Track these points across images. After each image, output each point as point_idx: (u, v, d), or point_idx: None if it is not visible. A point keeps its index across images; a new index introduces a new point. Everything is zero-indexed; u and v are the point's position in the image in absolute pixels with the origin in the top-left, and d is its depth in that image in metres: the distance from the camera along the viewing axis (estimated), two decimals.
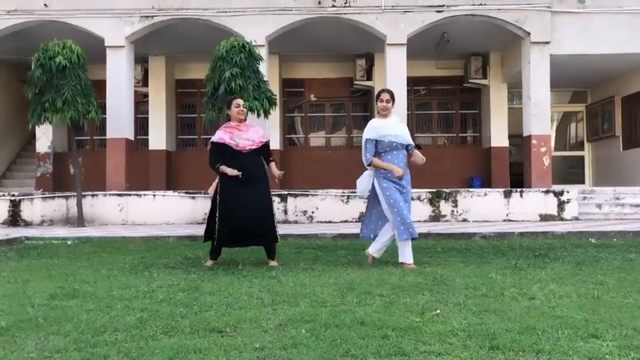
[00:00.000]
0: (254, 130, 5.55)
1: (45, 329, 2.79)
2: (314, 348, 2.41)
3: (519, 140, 13.11)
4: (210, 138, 5.80)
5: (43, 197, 10.92)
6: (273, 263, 5.32)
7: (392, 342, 2.51)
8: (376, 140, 5.35)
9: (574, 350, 2.37)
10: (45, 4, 11.76)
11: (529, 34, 11.79)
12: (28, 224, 10.81)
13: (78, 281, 4.28)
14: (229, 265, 5.20)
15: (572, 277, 4.40)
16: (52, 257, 6.14)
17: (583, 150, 15.74)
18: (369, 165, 5.39)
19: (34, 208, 10.87)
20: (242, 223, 5.15)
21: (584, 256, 5.86)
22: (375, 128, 5.43)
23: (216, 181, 5.49)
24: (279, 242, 5.60)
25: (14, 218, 10.82)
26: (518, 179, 13.97)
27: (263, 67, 10.75)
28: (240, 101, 5.58)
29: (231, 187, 5.23)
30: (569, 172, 15.72)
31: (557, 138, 16.27)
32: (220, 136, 5.38)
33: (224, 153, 5.27)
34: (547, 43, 11.80)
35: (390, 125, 5.46)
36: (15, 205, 10.84)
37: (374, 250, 5.37)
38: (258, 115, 10.22)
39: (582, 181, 15.54)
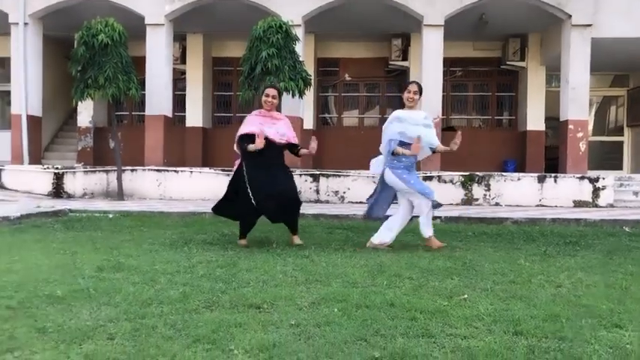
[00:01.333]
0: (284, 124, 5.58)
1: (96, 299, 3.01)
2: (346, 326, 2.56)
3: (556, 123, 12.91)
4: (245, 116, 5.93)
5: (84, 171, 11.32)
6: (298, 240, 5.46)
7: (420, 324, 2.64)
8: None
9: (596, 339, 2.46)
10: None
11: (570, 16, 11.56)
12: (70, 196, 11.23)
13: (122, 255, 4.52)
14: (264, 243, 5.38)
15: (601, 267, 4.44)
16: (96, 230, 6.44)
17: (622, 135, 15.41)
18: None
19: (76, 181, 11.28)
20: (272, 194, 5.29)
21: (617, 245, 5.86)
22: (400, 120, 5.47)
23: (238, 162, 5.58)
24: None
25: (57, 190, 11.26)
26: (553, 163, 13.81)
27: (299, 48, 10.84)
28: (270, 91, 5.55)
29: (255, 169, 5.36)
30: (606, 157, 15.43)
31: (595, 122, 15.96)
32: (249, 127, 5.42)
33: (250, 138, 5.35)
34: (589, 26, 11.54)
35: (416, 119, 5.47)
36: (58, 178, 11.27)
37: (389, 238, 5.47)
38: (293, 95, 10.35)
39: (620, 167, 15.25)
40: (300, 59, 10.60)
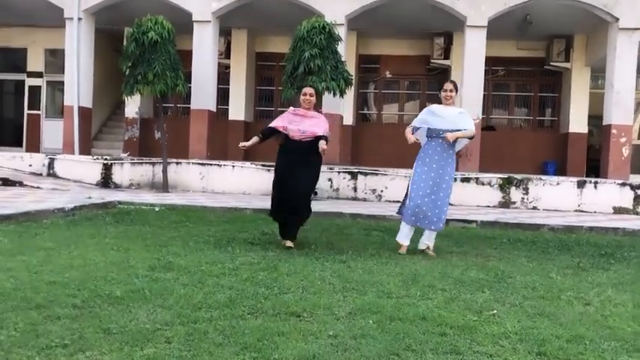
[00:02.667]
0: (314, 123, 5.69)
1: (152, 301, 3.30)
2: (380, 340, 2.77)
3: (601, 122, 12.68)
4: (282, 112, 6.19)
5: (131, 163, 11.80)
6: (288, 243, 5.48)
7: (449, 340, 2.83)
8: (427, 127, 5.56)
9: None
10: None
11: (617, 19, 11.39)
12: (117, 186, 11.74)
13: (171, 253, 4.83)
14: (303, 245, 5.62)
15: (632, 283, 4.52)
16: (144, 224, 6.81)
17: None
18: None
19: (124, 173, 11.78)
20: (279, 200, 5.58)
21: None
22: (432, 114, 5.63)
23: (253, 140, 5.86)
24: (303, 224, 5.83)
25: (106, 180, 11.78)
26: (595, 164, 13.62)
27: (341, 48, 10.99)
28: (308, 90, 5.79)
29: (279, 167, 5.74)
30: None
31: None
32: (278, 122, 5.73)
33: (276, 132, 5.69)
34: (637, 29, 11.35)
35: (449, 114, 5.57)
36: (107, 169, 11.78)
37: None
38: (334, 94, 10.53)
39: None
40: (342, 59, 10.76)
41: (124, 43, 15.05)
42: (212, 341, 2.64)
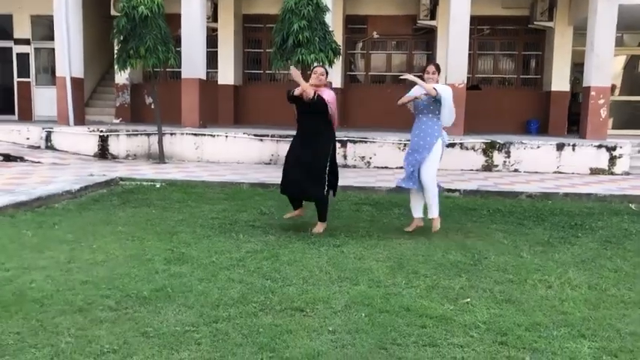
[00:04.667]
0: (325, 93, 5.99)
1: (175, 300, 3.83)
2: (371, 334, 3.33)
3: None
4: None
5: (127, 134, 12.15)
6: (316, 228, 5.99)
7: (428, 331, 3.40)
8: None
9: (562, 350, 3.18)
10: None
11: None
12: (114, 157, 12.13)
13: (182, 243, 5.36)
14: (299, 228, 6.15)
15: (593, 260, 5.13)
16: (149, 206, 7.31)
17: None
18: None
19: (120, 144, 12.15)
20: (288, 174, 6.03)
21: (616, 230, 6.51)
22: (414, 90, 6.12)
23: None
24: (334, 198, 6.28)
25: (103, 152, 12.16)
26: (577, 119, 14.10)
27: (329, 18, 11.21)
28: (319, 69, 6.06)
29: (291, 144, 6.20)
30: (632, 117, 15.67)
31: (622, 82, 16.09)
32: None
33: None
34: None
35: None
36: (103, 140, 12.14)
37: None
38: (323, 64, 10.83)
39: None
40: (330, 29, 11.02)
41: (111, 8, 15.15)
42: (233, 342, 3.18)
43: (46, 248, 5.07)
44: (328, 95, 5.98)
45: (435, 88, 5.93)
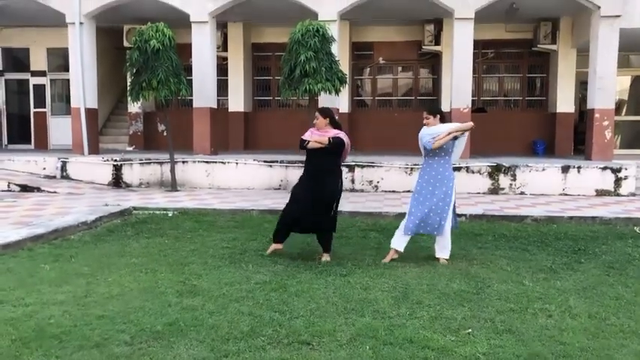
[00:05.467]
0: (332, 133, 6.27)
1: (187, 335, 4.00)
2: None
3: None
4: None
5: (140, 163, 12.43)
6: (324, 257, 6.23)
7: None
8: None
9: None
10: None
11: (599, 7, 11.89)
12: (128, 186, 12.40)
13: (193, 275, 5.55)
14: (307, 257, 6.31)
15: (594, 288, 5.24)
16: (162, 236, 7.52)
17: None
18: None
19: (133, 173, 12.43)
20: (296, 211, 6.23)
21: (619, 255, 6.61)
22: (426, 132, 6.22)
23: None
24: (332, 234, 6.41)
25: (117, 181, 12.44)
26: (584, 138, 14.14)
27: (335, 47, 11.50)
28: (316, 114, 6.42)
29: (300, 181, 6.42)
30: (637, 136, 15.76)
31: (628, 102, 16.20)
32: (306, 134, 6.36)
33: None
34: (617, 17, 11.86)
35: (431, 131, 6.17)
36: (117, 170, 12.43)
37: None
38: (329, 93, 11.11)
39: None
40: (337, 59, 11.29)
41: (124, 40, 15.58)
42: None
43: (63, 282, 5.27)
44: (344, 137, 6.28)
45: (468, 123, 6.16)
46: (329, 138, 6.17)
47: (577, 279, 5.57)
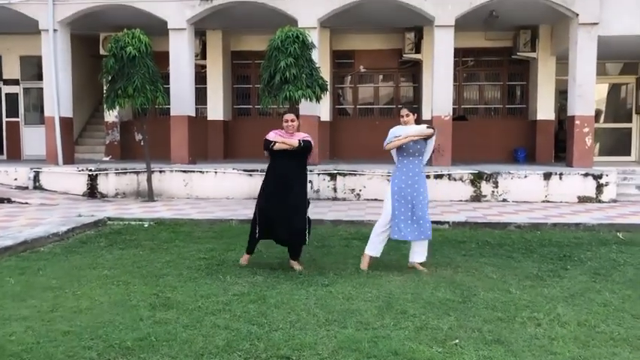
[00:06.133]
0: (301, 136, 6.11)
1: (159, 350, 3.76)
2: None
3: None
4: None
5: (116, 172, 12.11)
6: (296, 266, 6.03)
7: None
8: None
9: None
10: None
11: (577, 15, 11.94)
12: (104, 196, 12.07)
13: (168, 287, 5.29)
14: (287, 269, 6.09)
15: (582, 294, 5.11)
16: (137, 247, 7.24)
17: (631, 122, 15.78)
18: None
19: (109, 182, 12.10)
20: (271, 218, 5.98)
21: (604, 261, 6.52)
22: (393, 133, 6.08)
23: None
24: (307, 244, 6.20)
25: (92, 191, 12.10)
26: (564, 146, 14.19)
27: (315, 54, 11.35)
28: (288, 117, 6.10)
29: (268, 187, 6.10)
30: (615, 143, 15.85)
31: (606, 109, 16.31)
32: (270, 135, 6.12)
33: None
34: (595, 24, 11.92)
35: (408, 130, 6.04)
36: (92, 180, 12.10)
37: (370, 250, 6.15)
38: (310, 100, 10.94)
39: (628, 153, 15.70)
40: (317, 66, 11.15)
41: (100, 47, 15.28)
42: None
43: (28, 296, 4.99)
44: (310, 139, 6.11)
45: (430, 127, 6.04)
46: (299, 140, 5.97)
47: (564, 286, 5.44)
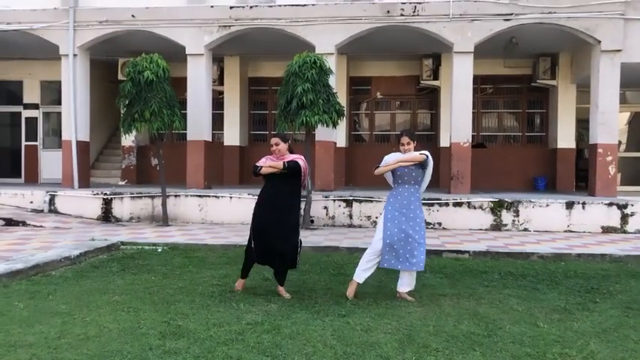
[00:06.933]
0: (290, 158, 6.00)
1: None
2: None
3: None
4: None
5: (131, 197, 12.04)
6: (283, 293, 5.88)
7: None
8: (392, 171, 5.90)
9: None
10: (132, 15, 12.76)
11: (599, 42, 11.76)
12: (118, 220, 11.98)
13: (179, 314, 5.10)
14: (304, 295, 5.89)
15: (615, 330, 4.82)
16: (149, 272, 7.07)
17: None
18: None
19: (124, 206, 12.02)
20: (263, 242, 5.89)
21: (636, 294, 6.20)
22: (386, 159, 5.94)
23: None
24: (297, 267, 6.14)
25: (106, 215, 12.02)
26: (587, 174, 13.88)
27: (332, 80, 11.28)
28: (273, 140, 6.07)
29: (259, 210, 6.02)
30: (637, 173, 15.49)
31: (628, 138, 16.01)
32: (261, 160, 6.07)
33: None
34: (618, 51, 11.73)
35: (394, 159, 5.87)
36: (107, 203, 12.03)
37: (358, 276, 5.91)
38: (327, 126, 10.83)
39: None
40: (334, 92, 11.07)
41: (119, 73, 15.41)
42: None
43: (36, 322, 4.83)
44: (301, 161, 5.99)
45: (424, 153, 5.83)
46: (284, 162, 5.89)
47: (594, 320, 5.15)
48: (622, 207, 10.85)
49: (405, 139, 5.93)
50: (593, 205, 10.93)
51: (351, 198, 11.52)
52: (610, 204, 10.89)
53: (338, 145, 14.15)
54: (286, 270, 6.06)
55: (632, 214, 10.78)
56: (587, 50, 12.51)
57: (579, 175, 14.92)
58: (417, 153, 5.89)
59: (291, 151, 6.12)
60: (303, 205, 11.18)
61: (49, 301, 5.56)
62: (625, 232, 10.75)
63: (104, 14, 12.89)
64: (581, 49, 13.11)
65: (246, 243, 6.37)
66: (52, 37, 13.18)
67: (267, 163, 5.96)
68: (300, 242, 6.11)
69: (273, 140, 6.06)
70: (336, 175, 13.36)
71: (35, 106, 16.60)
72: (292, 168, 5.89)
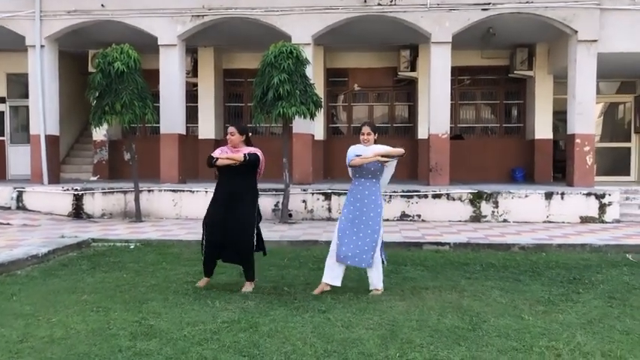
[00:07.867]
0: (245, 150, 5.83)
1: None
2: None
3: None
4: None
5: (103, 192, 11.68)
6: (245, 288, 5.73)
7: None
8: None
9: None
10: (102, 5, 12.36)
11: (576, 32, 11.74)
12: (90, 217, 11.61)
13: (151, 313, 4.86)
14: (282, 291, 5.69)
15: (600, 321, 4.73)
16: (121, 269, 6.80)
17: (630, 142, 15.57)
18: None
19: (95, 202, 11.66)
20: (216, 237, 5.72)
21: (618, 284, 6.14)
22: (353, 153, 5.77)
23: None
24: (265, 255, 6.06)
25: (77, 211, 11.64)
26: (562, 165, 13.98)
27: (309, 71, 11.07)
28: (229, 129, 5.87)
29: (213, 204, 5.86)
30: (614, 163, 15.60)
31: (602, 128, 16.11)
32: (216, 152, 5.88)
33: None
34: (594, 41, 11.73)
35: (367, 151, 5.71)
36: (78, 199, 11.65)
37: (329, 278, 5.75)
38: (305, 117, 10.62)
39: (627, 173, 15.45)
40: (311, 82, 10.85)
41: (89, 65, 14.95)
42: None
43: None
44: (260, 154, 5.84)
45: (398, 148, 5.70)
46: (244, 154, 5.71)
47: (579, 311, 5.05)
48: (600, 197, 10.87)
49: (366, 129, 5.78)
50: (572, 196, 10.92)
51: (329, 191, 11.34)
52: (588, 194, 10.90)
53: (316, 138, 13.91)
54: (246, 262, 5.81)
55: (610, 204, 10.81)
56: (564, 41, 12.49)
57: (556, 166, 14.97)
58: (391, 148, 5.71)
59: (248, 144, 5.92)
60: (281, 200, 10.97)
61: (13, 302, 5.27)
62: (603, 221, 10.77)
63: (72, 3, 12.45)
64: (558, 39, 13.10)
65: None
66: (18, 27, 12.69)
67: (225, 155, 5.76)
68: (261, 235, 5.96)
69: (230, 129, 5.87)
70: (314, 169, 13.16)
71: (2, 100, 16.01)
72: (252, 160, 5.74)
